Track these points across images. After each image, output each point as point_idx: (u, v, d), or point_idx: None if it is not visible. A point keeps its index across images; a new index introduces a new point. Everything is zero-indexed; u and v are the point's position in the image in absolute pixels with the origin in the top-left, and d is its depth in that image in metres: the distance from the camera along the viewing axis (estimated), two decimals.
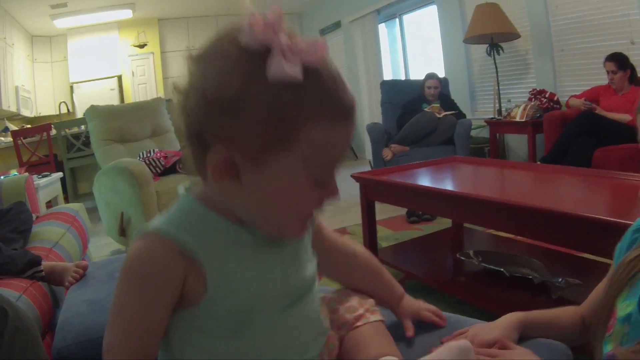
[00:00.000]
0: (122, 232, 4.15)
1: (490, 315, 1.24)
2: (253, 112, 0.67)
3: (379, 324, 1.05)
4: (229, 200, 0.76)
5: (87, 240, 3.07)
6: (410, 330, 1.14)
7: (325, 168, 0.74)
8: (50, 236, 2.56)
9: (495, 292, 2.45)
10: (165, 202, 4.01)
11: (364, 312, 1.05)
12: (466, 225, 3.53)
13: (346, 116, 0.72)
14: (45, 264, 2.06)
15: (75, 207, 3.22)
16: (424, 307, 1.20)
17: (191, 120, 0.72)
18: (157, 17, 10.80)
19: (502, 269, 2.53)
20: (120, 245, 4.52)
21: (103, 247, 4.64)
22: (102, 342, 0.76)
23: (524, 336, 1.13)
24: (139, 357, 0.74)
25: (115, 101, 10.33)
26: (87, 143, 6.68)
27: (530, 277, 2.44)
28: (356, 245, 1.15)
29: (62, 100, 9.67)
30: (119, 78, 10.74)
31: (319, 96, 0.68)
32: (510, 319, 1.13)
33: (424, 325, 1.19)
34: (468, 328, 1.16)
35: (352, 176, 3.18)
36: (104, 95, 10.28)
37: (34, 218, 2.69)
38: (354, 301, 1.07)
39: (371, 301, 1.10)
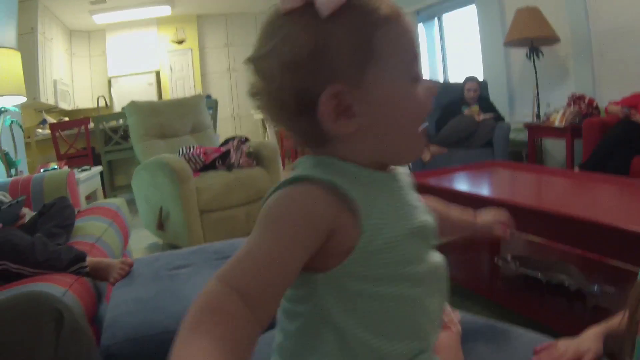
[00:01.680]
0: (161, 226, 4.24)
1: (526, 319, 1.25)
2: (334, 47, 0.72)
3: (457, 337, 1.08)
4: (353, 143, 0.78)
5: (128, 236, 3.11)
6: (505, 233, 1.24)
7: (412, 61, 0.79)
8: (93, 231, 2.60)
9: (532, 298, 2.44)
10: (205, 199, 4.10)
11: (447, 322, 1.07)
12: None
13: (399, 12, 0.78)
14: (89, 259, 2.10)
15: (117, 202, 3.26)
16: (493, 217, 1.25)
17: (286, 96, 0.75)
18: (196, 13, 10.91)
19: (539, 275, 2.53)
20: (157, 238, 4.61)
21: (140, 240, 4.69)
22: (153, 340, 0.75)
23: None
24: (248, 295, 0.65)
25: (153, 96, 10.48)
26: (124, 137, 6.78)
27: (567, 283, 2.43)
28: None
29: (100, 94, 9.79)
30: (157, 73, 10.86)
31: (371, 4, 0.74)
32: (595, 332, 1.17)
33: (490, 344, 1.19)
34: (550, 343, 1.16)
35: None
36: (142, 89, 10.44)
37: (75, 212, 2.73)
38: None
39: (457, 314, 1.14)
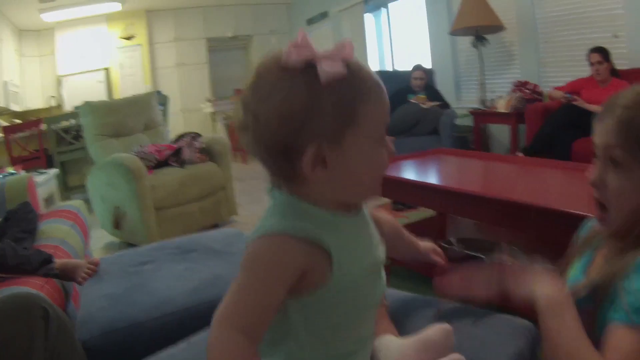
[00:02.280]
0: (117, 225, 4.29)
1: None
2: (324, 110, 0.85)
3: (384, 309, 1.31)
4: (322, 187, 0.92)
5: (88, 236, 3.18)
6: (440, 261, 1.43)
7: (382, 129, 0.93)
8: (57, 234, 2.66)
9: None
10: (160, 196, 4.16)
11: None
12: (451, 214, 3.64)
13: (381, 88, 0.92)
14: (57, 261, 2.16)
15: (76, 204, 3.32)
16: (430, 247, 1.45)
17: (274, 142, 0.88)
18: (145, 8, 10.80)
19: (482, 256, 2.68)
20: (114, 237, 4.62)
21: (97, 240, 4.63)
22: (127, 332, 0.88)
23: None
24: (249, 330, 0.84)
25: (103, 93, 10.39)
26: (77, 137, 6.75)
27: (509, 263, 2.58)
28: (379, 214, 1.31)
29: (50, 94, 9.70)
30: (107, 70, 10.75)
31: (361, 80, 0.89)
32: None
33: (418, 312, 1.40)
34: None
35: None
36: (92, 87, 10.32)
37: (37, 216, 2.79)
38: None
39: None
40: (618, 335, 0.95)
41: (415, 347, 1.13)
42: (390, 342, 1.19)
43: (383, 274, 1.07)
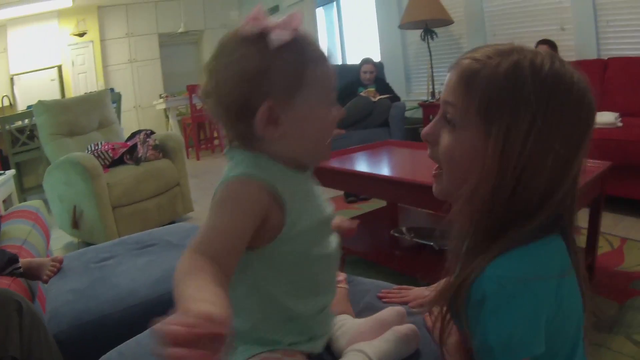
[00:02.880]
0: (75, 224, 4.28)
1: (425, 284, 1.54)
2: (275, 72, 0.96)
3: (345, 291, 1.43)
4: (275, 145, 1.03)
5: (49, 236, 3.21)
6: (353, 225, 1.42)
7: (330, 92, 1.06)
8: (19, 234, 2.68)
9: (426, 263, 2.69)
10: (117, 194, 4.19)
11: (341, 279, 1.43)
12: (400, 204, 3.75)
13: (327, 58, 1.05)
14: (22, 260, 2.19)
15: (36, 204, 3.34)
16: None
17: (231, 101, 0.99)
18: (97, 4, 10.62)
19: (431, 243, 2.82)
20: (73, 237, 4.61)
21: (56, 240, 4.59)
22: (95, 324, 0.96)
23: None
24: (218, 258, 0.90)
25: (56, 92, 10.26)
26: (31, 137, 6.67)
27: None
28: None
29: (2, 94, 9.56)
30: (59, 68, 10.58)
31: (309, 48, 1.01)
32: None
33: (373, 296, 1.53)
34: (397, 287, 1.54)
35: None
36: (45, 86, 10.18)
37: None
38: None
39: (344, 275, 1.48)
40: None
41: (369, 325, 1.24)
42: (346, 320, 1.30)
43: (336, 236, 1.20)
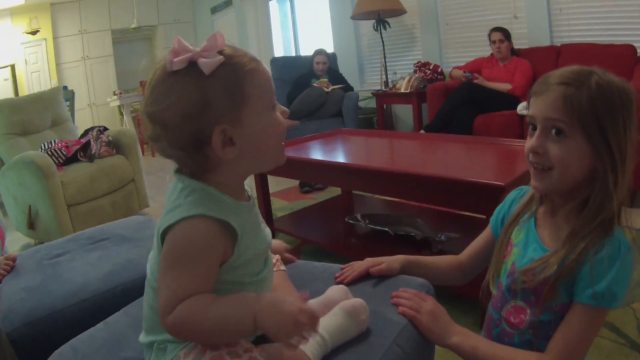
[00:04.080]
0: (31, 225, 4.22)
1: None
2: (216, 97, 0.97)
3: (284, 273, 1.44)
4: (234, 165, 1.05)
5: (4, 236, 3.15)
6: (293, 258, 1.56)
7: (271, 96, 1.07)
8: None
9: (383, 249, 2.71)
10: (71, 192, 4.14)
11: (276, 262, 1.42)
12: (356, 191, 3.79)
13: (257, 61, 1.05)
14: None
15: None
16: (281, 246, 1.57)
17: (185, 140, 0.99)
18: (50, 1, 10.42)
19: (387, 229, 2.85)
20: (29, 238, 4.54)
21: (13, 242, 4.57)
22: (47, 320, 0.97)
23: (405, 272, 1.50)
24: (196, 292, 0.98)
25: (9, 91, 10.09)
26: None
27: (413, 234, 2.75)
28: None
29: None
30: (12, 67, 10.40)
31: (238, 61, 1.01)
32: (397, 256, 1.53)
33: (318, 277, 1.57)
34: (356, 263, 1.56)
35: None
36: None
37: None
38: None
39: (278, 256, 1.47)
40: (580, 313, 1.10)
41: (315, 306, 1.25)
42: None
43: (270, 255, 1.23)
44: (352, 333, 1.22)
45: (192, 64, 0.97)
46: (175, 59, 0.96)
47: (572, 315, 1.11)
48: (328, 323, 1.19)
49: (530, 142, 1.14)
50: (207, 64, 0.96)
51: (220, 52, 0.99)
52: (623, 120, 1.07)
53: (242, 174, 1.10)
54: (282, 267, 1.45)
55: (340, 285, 1.38)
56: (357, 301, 1.27)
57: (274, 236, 3.45)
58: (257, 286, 1.13)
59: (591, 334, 1.11)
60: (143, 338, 1.17)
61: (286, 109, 1.12)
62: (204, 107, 0.97)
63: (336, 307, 1.25)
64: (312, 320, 0.97)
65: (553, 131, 1.10)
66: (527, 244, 1.23)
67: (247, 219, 1.09)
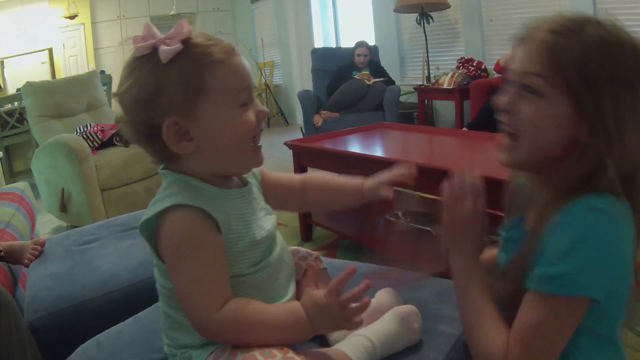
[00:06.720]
0: (63, 208, 4.21)
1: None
2: (170, 86, 0.95)
3: (324, 272, 1.32)
4: (197, 161, 1.01)
5: (34, 218, 3.12)
6: (389, 194, 1.35)
7: (241, 92, 1.00)
8: (1, 217, 2.61)
9: (424, 249, 2.63)
10: (105, 176, 4.11)
11: (314, 261, 1.31)
12: (396, 188, 3.69)
13: (231, 52, 1.00)
14: (2, 244, 2.12)
15: (21, 186, 3.25)
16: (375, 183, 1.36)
17: (138, 125, 0.98)
18: None
19: (429, 229, 2.74)
20: (61, 221, 4.54)
21: (45, 224, 4.61)
22: (73, 311, 0.91)
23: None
24: (223, 299, 0.96)
25: (46, 75, 10.13)
26: (20, 120, 6.58)
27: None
28: (299, 175, 1.40)
29: None
30: (50, 51, 10.45)
31: (203, 50, 0.97)
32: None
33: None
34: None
35: (285, 144, 3.35)
36: (35, 69, 10.06)
37: None
38: (304, 252, 1.32)
39: (316, 253, 1.35)
40: (528, 303, 0.92)
41: (366, 314, 1.14)
42: None
43: (278, 238, 1.16)
44: (403, 343, 1.12)
45: (155, 51, 0.96)
46: (139, 45, 0.96)
47: (521, 309, 0.92)
48: (378, 328, 1.10)
49: (499, 99, 0.99)
50: (164, 51, 0.94)
51: (188, 40, 0.97)
52: (631, 86, 0.87)
53: (212, 170, 1.04)
54: (321, 266, 1.34)
55: (388, 288, 1.28)
56: (411, 308, 1.17)
57: (311, 231, 3.43)
58: (259, 277, 1.07)
59: (552, 327, 0.89)
60: (165, 347, 1.13)
61: (265, 109, 1.05)
62: (156, 95, 0.95)
63: (388, 312, 1.15)
64: (341, 295, 0.97)
65: (526, 88, 0.93)
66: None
67: (235, 206, 1.06)
